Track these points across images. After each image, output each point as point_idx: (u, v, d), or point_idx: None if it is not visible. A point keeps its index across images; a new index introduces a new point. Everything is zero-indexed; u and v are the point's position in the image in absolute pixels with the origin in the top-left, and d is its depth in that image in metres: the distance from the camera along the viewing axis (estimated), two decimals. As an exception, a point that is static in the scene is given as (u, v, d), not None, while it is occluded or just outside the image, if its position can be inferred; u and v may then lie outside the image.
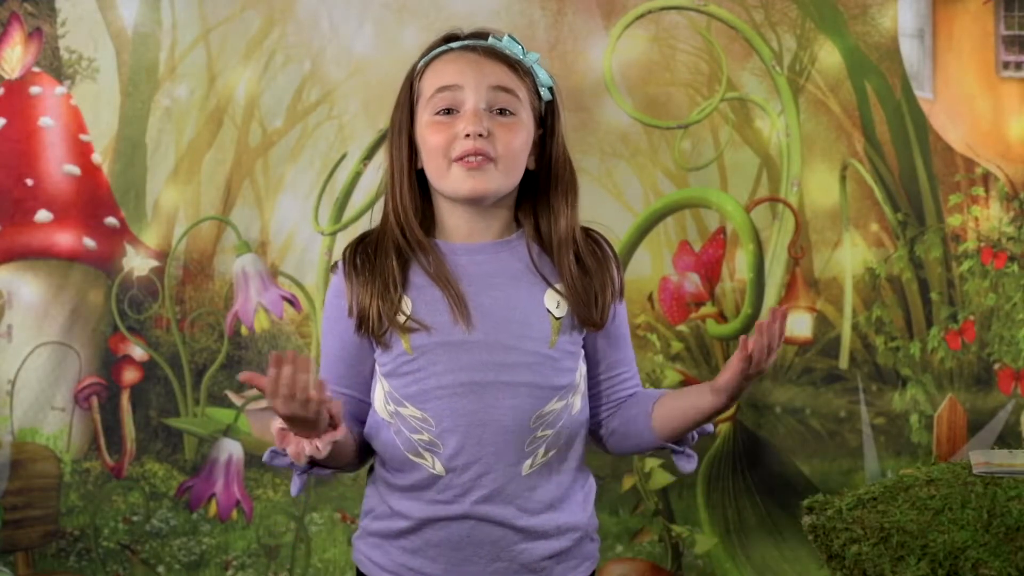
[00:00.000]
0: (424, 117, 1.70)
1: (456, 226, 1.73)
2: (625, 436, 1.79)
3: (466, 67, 1.69)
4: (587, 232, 1.78)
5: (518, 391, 1.67)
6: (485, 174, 1.67)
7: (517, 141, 1.69)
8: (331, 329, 1.76)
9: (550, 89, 1.74)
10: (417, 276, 1.70)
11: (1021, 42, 2.99)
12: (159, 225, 2.99)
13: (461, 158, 1.66)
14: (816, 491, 2.21)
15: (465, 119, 1.66)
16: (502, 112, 1.68)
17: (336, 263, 1.75)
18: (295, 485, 1.72)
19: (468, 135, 1.65)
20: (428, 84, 1.71)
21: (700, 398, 1.69)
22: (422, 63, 1.73)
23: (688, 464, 1.76)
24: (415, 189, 1.73)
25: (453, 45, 1.73)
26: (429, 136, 1.69)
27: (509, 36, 1.74)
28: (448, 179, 1.68)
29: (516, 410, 1.67)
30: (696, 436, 1.77)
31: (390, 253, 1.71)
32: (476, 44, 1.72)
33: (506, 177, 1.69)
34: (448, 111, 1.68)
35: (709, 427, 1.76)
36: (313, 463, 1.67)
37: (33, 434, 2.99)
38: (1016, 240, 2.99)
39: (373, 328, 1.69)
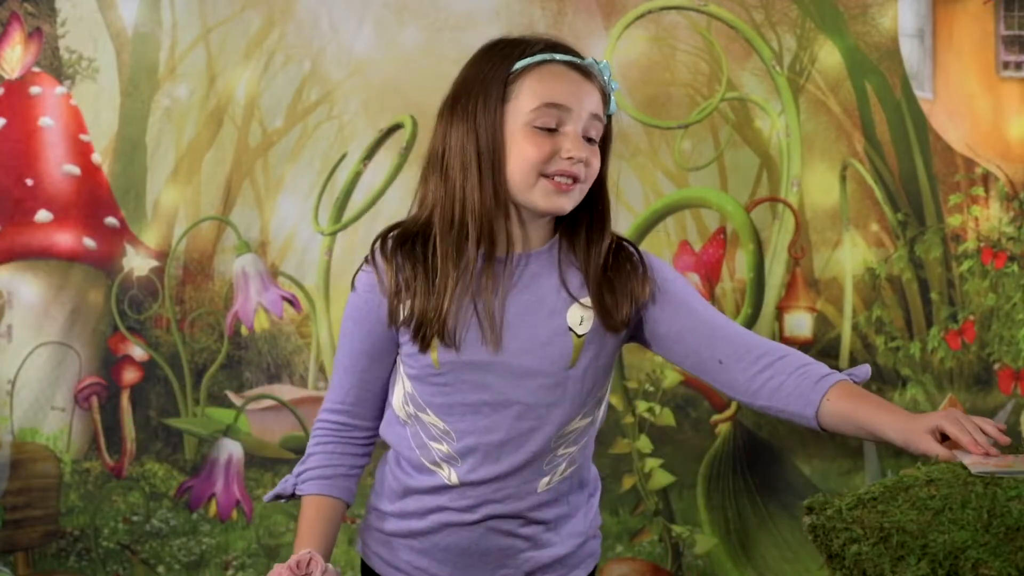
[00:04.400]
0: (519, 123, 1.66)
1: (503, 233, 1.69)
2: (779, 401, 1.66)
3: (575, 89, 1.66)
4: (620, 241, 1.75)
5: (540, 412, 1.66)
6: (571, 195, 1.66)
7: (598, 166, 1.69)
8: (359, 320, 1.70)
9: (609, 116, 1.73)
10: (457, 282, 1.66)
11: (1021, 42, 2.99)
12: (159, 225, 2.99)
13: (556, 177, 1.65)
14: (816, 491, 2.21)
15: (570, 141, 1.64)
16: (589, 139, 1.68)
17: (371, 255, 1.69)
18: (277, 491, 1.79)
19: (571, 158, 1.64)
20: (532, 93, 1.65)
21: (885, 428, 1.62)
22: (520, 65, 1.67)
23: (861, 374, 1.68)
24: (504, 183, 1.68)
25: (558, 57, 1.68)
26: (527, 147, 1.65)
27: (606, 62, 1.72)
28: (534, 191, 1.65)
29: (538, 432, 1.66)
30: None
31: (440, 249, 1.66)
32: (580, 63, 1.69)
33: (580, 198, 1.69)
34: (547, 127, 1.66)
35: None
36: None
37: (33, 434, 2.99)
38: (1016, 240, 2.99)
39: (411, 324, 1.65)
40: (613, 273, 1.70)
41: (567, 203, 1.66)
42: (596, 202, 1.73)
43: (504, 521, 1.68)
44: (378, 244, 1.69)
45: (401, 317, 1.66)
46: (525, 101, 1.65)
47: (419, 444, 1.70)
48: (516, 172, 1.66)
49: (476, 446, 1.66)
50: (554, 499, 1.71)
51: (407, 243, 1.68)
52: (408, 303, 1.65)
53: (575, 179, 1.65)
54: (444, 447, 1.68)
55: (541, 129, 1.64)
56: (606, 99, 1.71)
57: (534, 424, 1.65)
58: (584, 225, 1.72)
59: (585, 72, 1.68)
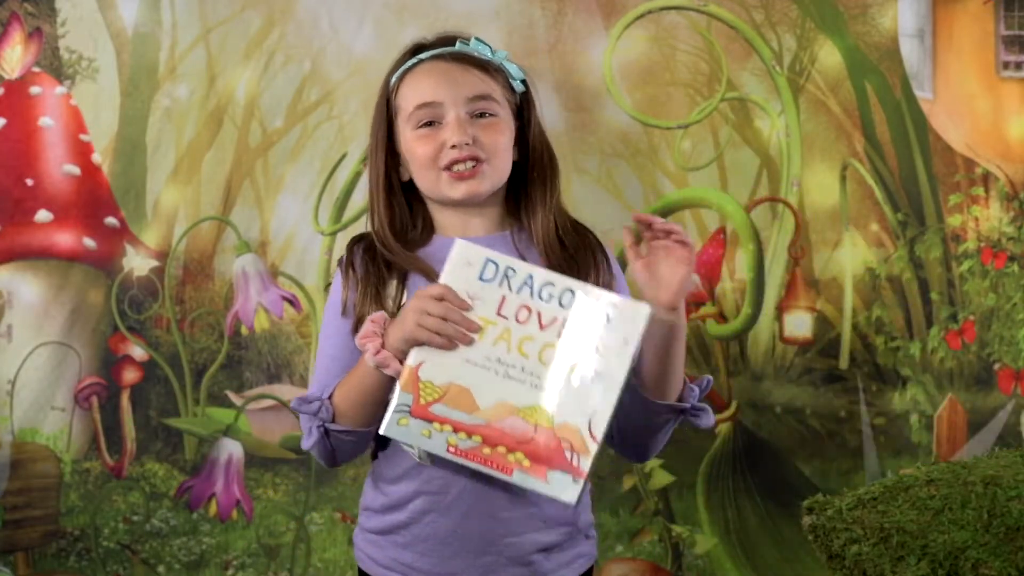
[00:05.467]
0: (407, 132, 1.74)
1: (450, 224, 1.77)
2: (629, 418, 1.70)
3: (441, 81, 1.73)
4: (574, 223, 1.80)
5: None
6: (476, 178, 1.72)
7: (502, 138, 1.73)
8: (331, 324, 1.77)
9: (523, 81, 1.77)
10: (413, 274, 1.73)
11: (1021, 42, 2.99)
12: (159, 225, 2.99)
13: (450, 167, 1.71)
14: (816, 491, 2.21)
15: (449, 129, 1.71)
16: (482, 115, 1.73)
17: (342, 261, 1.78)
18: (311, 439, 1.69)
19: (454, 145, 1.70)
20: (406, 100, 1.74)
21: (654, 330, 1.64)
22: (395, 78, 1.76)
23: (705, 419, 1.69)
24: (393, 202, 1.77)
25: (422, 56, 1.75)
26: (416, 149, 1.73)
27: (476, 38, 1.76)
28: (440, 187, 1.73)
29: None
30: (696, 390, 1.70)
31: (383, 255, 1.75)
32: (446, 52, 1.74)
33: (497, 174, 1.74)
34: (430, 123, 1.73)
35: (695, 393, 1.70)
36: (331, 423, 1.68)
37: (33, 434, 2.99)
38: (1016, 240, 2.99)
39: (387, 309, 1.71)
40: (574, 251, 1.76)
41: (478, 186, 1.72)
42: (527, 173, 1.77)
43: (480, 501, 1.69)
44: (346, 250, 1.78)
45: (363, 317, 1.71)
46: (403, 111, 1.75)
47: None
48: (419, 176, 1.75)
49: None
50: None
51: (370, 248, 1.76)
52: (368, 302, 1.72)
53: (475, 161, 1.71)
54: None
55: (422, 128, 1.72)
56: (501, 73, 1.75)
57: None
58: (522, 198, 1.78)
59: (457, 57, 1.74)
